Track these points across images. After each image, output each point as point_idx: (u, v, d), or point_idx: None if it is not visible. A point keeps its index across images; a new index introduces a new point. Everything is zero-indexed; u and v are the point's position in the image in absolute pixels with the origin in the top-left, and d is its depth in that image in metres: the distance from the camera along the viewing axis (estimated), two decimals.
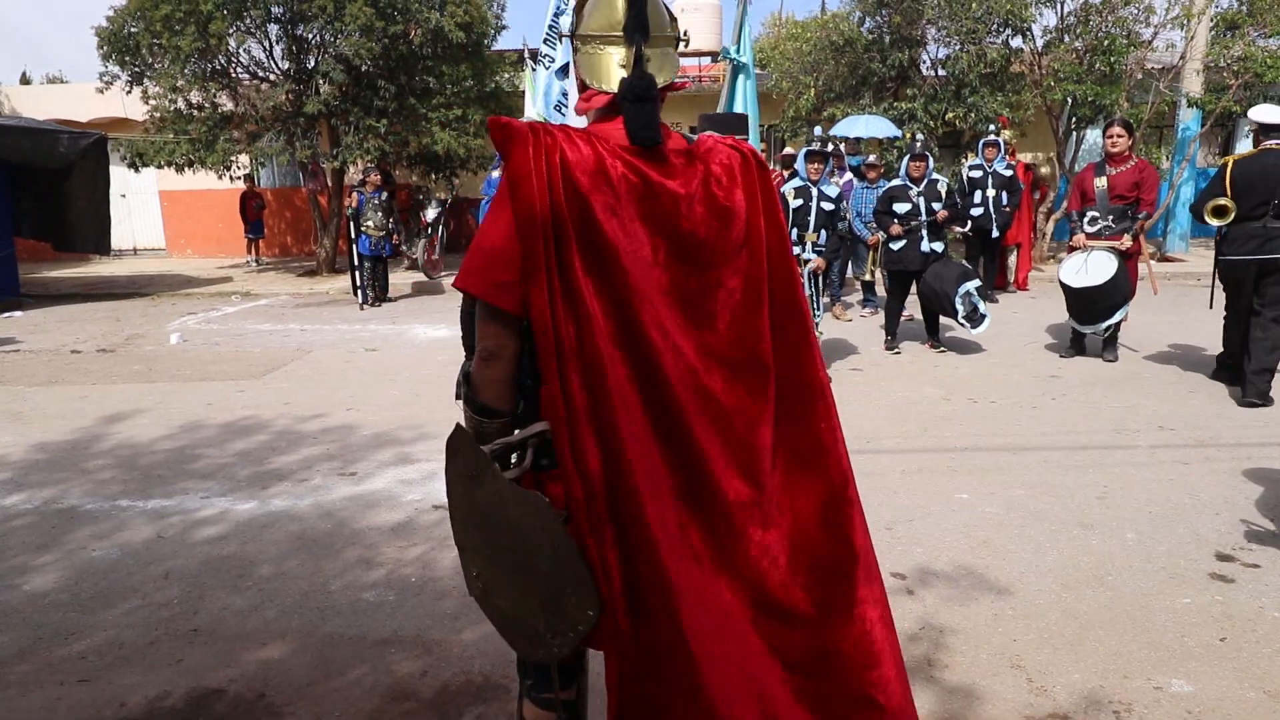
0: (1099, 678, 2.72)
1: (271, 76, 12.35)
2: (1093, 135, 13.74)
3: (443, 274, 13.04)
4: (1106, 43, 11.19)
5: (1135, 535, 3.74)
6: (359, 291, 10.90)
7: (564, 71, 5.48)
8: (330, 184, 13.36)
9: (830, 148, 8.57)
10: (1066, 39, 11.82)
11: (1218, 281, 6.09)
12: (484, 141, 13.00)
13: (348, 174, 13.40)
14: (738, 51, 7.35)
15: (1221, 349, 6.27)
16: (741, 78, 7.32)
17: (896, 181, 7.27)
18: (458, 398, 1.64)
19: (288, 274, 14.23)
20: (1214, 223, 5.74)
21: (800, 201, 6.43)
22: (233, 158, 12.54)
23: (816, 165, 6.44)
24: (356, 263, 10.82)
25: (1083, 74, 11.49)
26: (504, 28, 12.88)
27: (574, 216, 1.50)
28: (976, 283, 7.00)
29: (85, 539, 4.01)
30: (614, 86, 1.60)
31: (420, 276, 12.85)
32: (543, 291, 1.49)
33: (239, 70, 12.52)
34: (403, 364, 7.61)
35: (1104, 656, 2.84)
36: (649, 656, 1.56)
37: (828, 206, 6.51)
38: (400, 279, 12.56)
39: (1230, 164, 5.75)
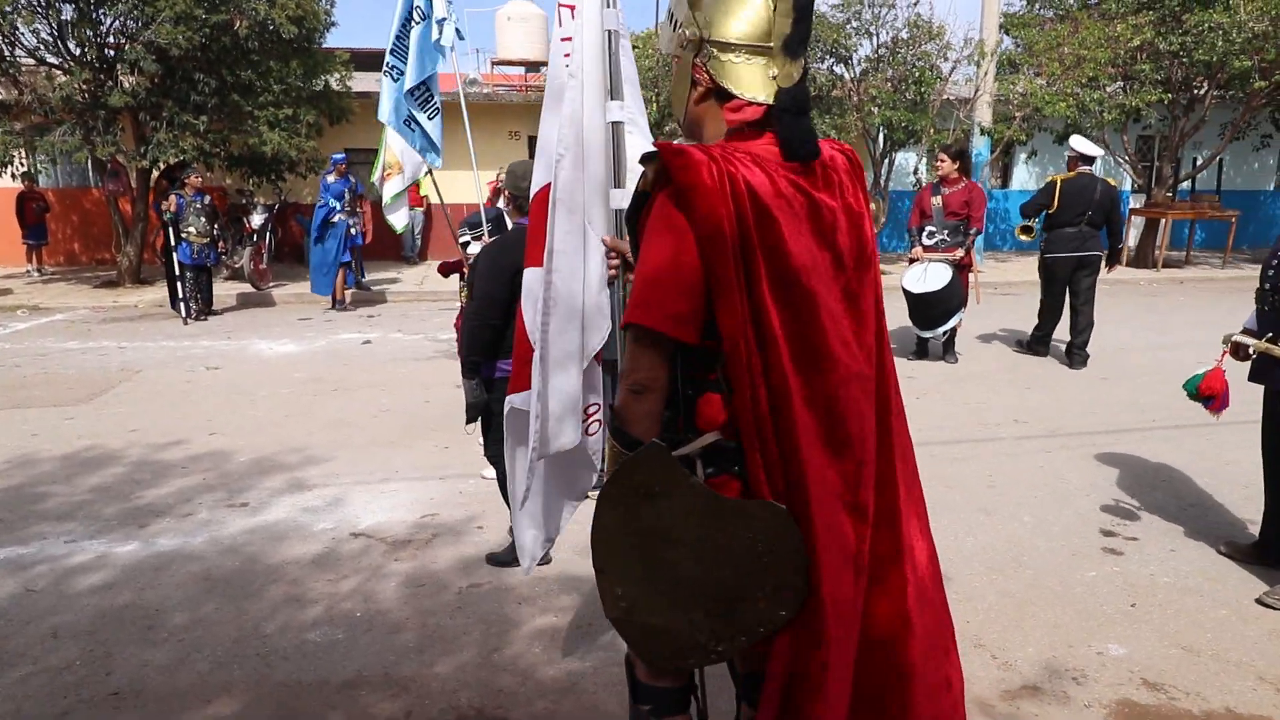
0: (1049, 649, 3.01)
1: (62, 62, 10.93)
2: (902, 158, 15.06)
3: (270, 284, 12.12)
4: (917, 74, 12.33)
5: (1031, 518, 4.15)
6: (182, 304, 9.88)
7: (414, 94, 5.27)
8: (135, 186, 12.04)
9: None
10: (881, 68, 12.90)
11: (1040, 275, 7.63)
12: (316, 144, 12.23)
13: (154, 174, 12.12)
14: None
15: (1034, 329, 7.85)
16: None
17: None
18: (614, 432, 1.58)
19: (81, 285, 12.64)
20: (1023, 238, 7.51)
21: None
22: (13, 153, 10.99)
23: None
24: (178, 273, 9.80)
25: (896, 101, 12.58)
26: (334, 24, 12.16)
27: (761, 238, 1.48)
28: None
29: None
30: (768, 98, 1.58)
31: (245, 287, 11.86)
32: (735, 314, 1.48)
33: (19, 54, 11.00)
34: (254, 383, 7.00)
35: (1046, 630, 3.13)
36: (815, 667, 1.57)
37: None
38: (222, 290, 11.52)
39: (1059, 181, 7.30)
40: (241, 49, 10.59)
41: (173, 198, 9.85)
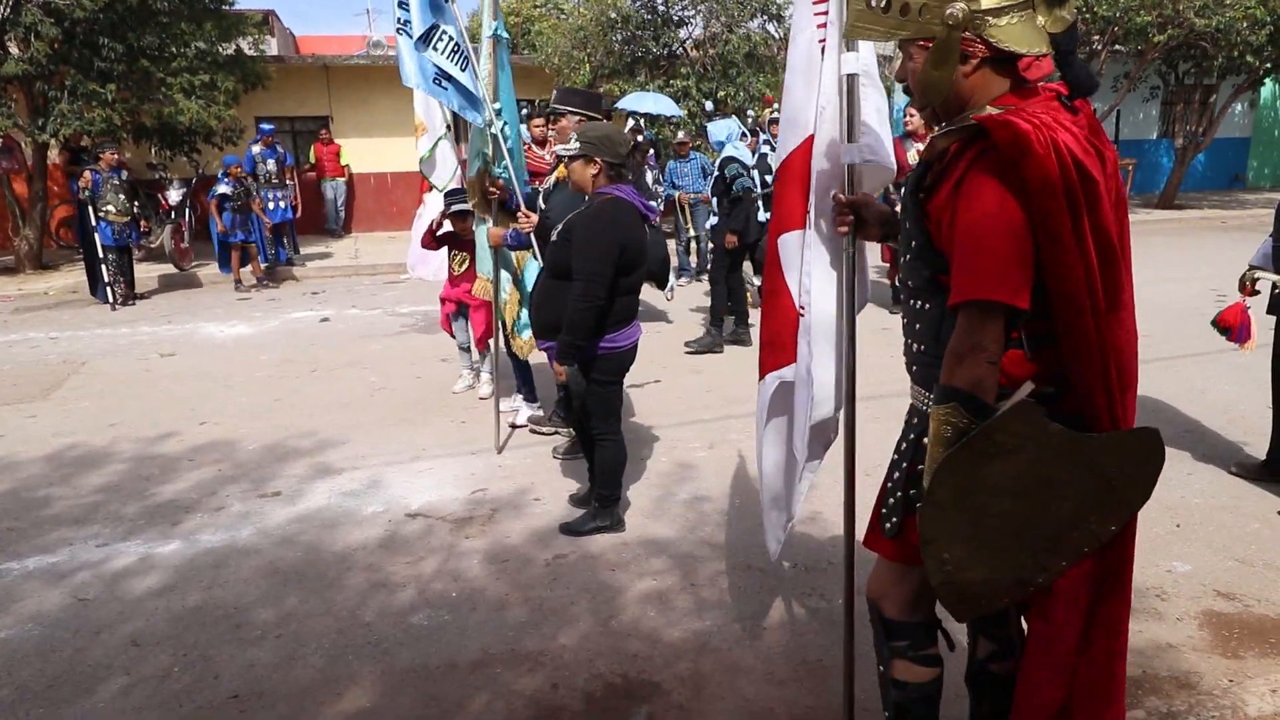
0: None
1: None
2: (719, 125, 15.34)
3: (194, 264, 11.40)
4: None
5: None
6: (107, 289, 9.19)
7: (424, 41, 4.74)
8: (31, 162, 11.05)
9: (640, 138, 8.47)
10: None
11: None
12: (236, 113, 11.50)
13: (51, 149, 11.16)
14: (499, 29, 7.09)
15: None
16: (504, 54, 7.00)
17: (729, 153, 7.64)
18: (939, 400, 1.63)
19: None
20: None
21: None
22: None
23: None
24: (101, 255, 9.10)
25: None
26: None
27: (1085, 197, 1.53)
28: None
29: None
30: (1047, 48, 1.61)
31: (165, 269, 11.12)
32: (1074, 273, 1.54)
33: None
34: (221, 368, 6.63)
35: None
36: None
37: (716, 174, 6.86)
38: (140, 272, 10.74)
39: None
40: (149, 10, 9.79)
41: (88, 174, 9.11)
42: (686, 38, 13.19)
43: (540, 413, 5.06)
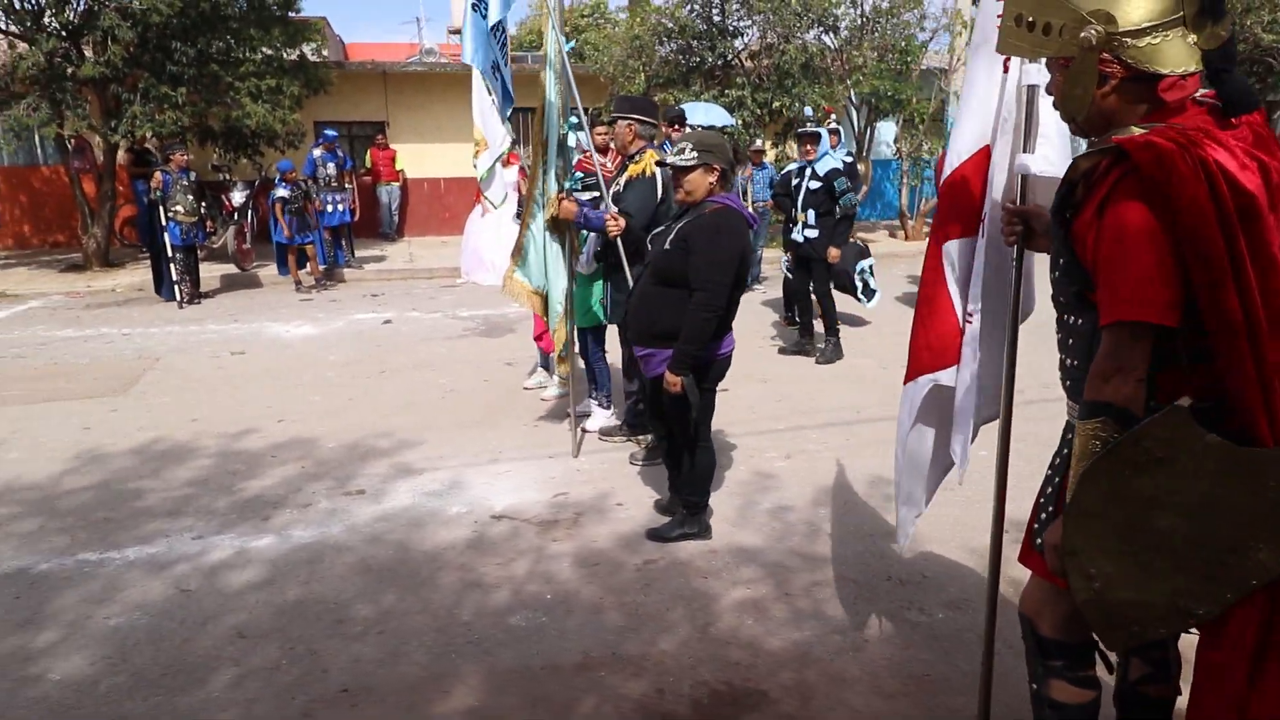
0: None
1: (24, 30, 10.18)
2: (883, 128, 15.24)
3: (254, 265, 11.63)
4: (902, 43, 12.50)
5: None
6: (176, 288, 9.41)
7: (494, 31, 4.68)
8: (101, 163, 11.36)
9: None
10: (866, 37, 13.02)
11: None
12: (300, 117, 11.73)
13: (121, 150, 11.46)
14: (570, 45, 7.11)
15: None
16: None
17: (793, 165, 7.62)
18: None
19: (43, 270, 11.90)
20: None
21: (797, 181, 6.69)
22: None
23: (810, 146, 6.67)
24: (170, 254, 9.32)
25: (882, 70, 12.73)
26: None
27: (1240, 216, 1.49)
28: (871, 260, 7.57)
29: (80, 606, 3.19)
30: (1197, 65, 1.57)
31: (227, 269, 11.35)
32: (1228, 292, 1.49)
33: None
34: (291, 367, 6.75)
35: None
36: None
37: (816, 185, 6.71)
38: (203, 271, 10.98)
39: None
40: (221, 15, 10.03)
41: (158, 174, 9.34)
42: (742, 48, 13.21)
43: (614, 421, 5.06)
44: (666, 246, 3.35)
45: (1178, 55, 1.58)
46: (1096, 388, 1.59)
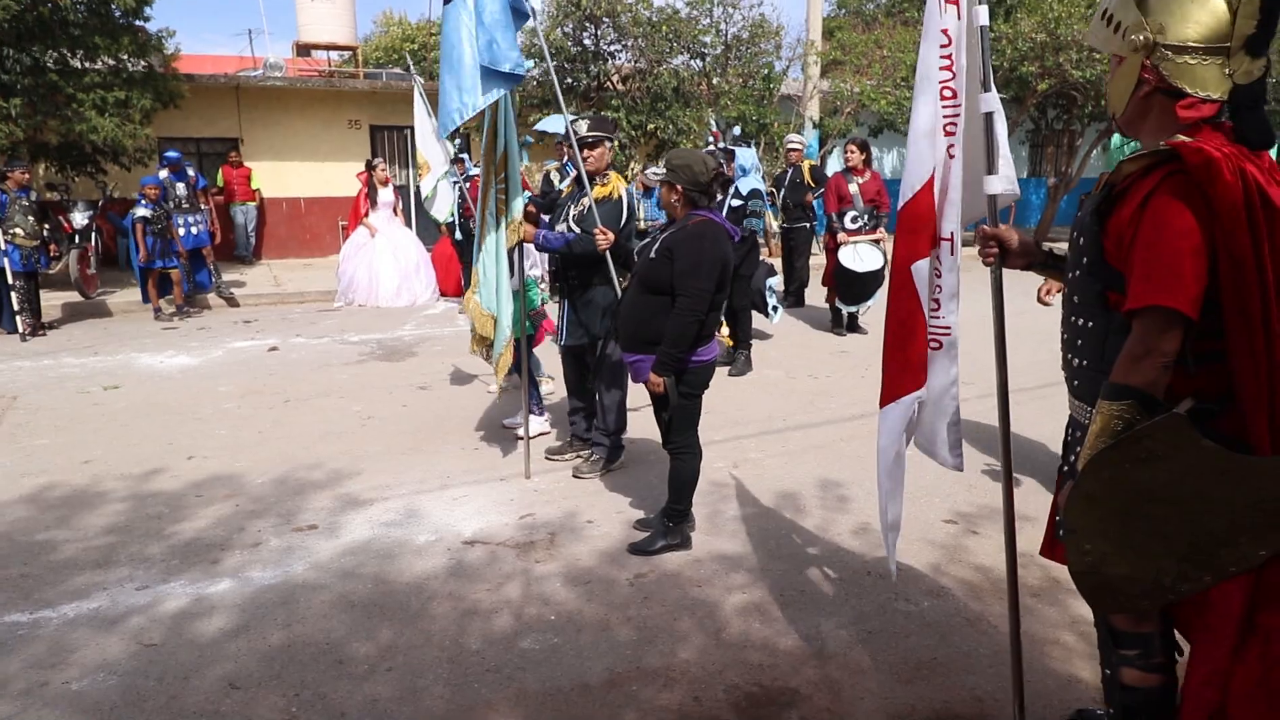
0: None
1: None
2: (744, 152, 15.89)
3: (100, 292, 10.60)
4: (766, 71, 13.16)
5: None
6: (18, 319, 8.45)
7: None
8: None
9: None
10: (730, 64, 13.61)
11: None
12: (151, 131, 10.84)
13: None
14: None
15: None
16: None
17: (754, 184, 7.78)
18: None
19: None
20: None
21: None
22: None
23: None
24: (10, 281, 8.37)
25: (746, 95, 13.35)
26: None
27: (1268, 224, 1.67)
28: (778, 278, 7.94)
29: (28, 673, 2.86)
30: (1222, 95, 1.76)
31: (71, 296, 10.29)
32: (1251, 294, 1.66)
33: None
34: (178, 400, 6.23)
35: None
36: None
37: (737, 204, 6.89)
38: (43, 300, 9.90)
39: None
40: (63, 21, 9.16)
41: None
42: (614, 71, 13.46)
43: (547, 426, 5.15)
44: (652, 256, 3.47)
45: (1206, 80, 1.76)
46: (1125, 370, 1.74)
